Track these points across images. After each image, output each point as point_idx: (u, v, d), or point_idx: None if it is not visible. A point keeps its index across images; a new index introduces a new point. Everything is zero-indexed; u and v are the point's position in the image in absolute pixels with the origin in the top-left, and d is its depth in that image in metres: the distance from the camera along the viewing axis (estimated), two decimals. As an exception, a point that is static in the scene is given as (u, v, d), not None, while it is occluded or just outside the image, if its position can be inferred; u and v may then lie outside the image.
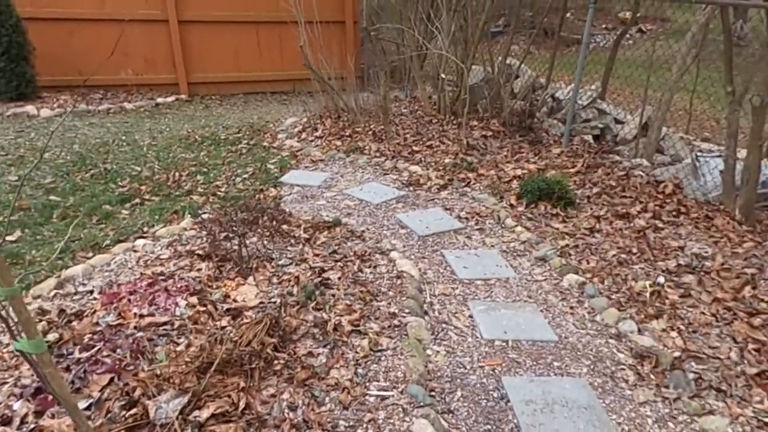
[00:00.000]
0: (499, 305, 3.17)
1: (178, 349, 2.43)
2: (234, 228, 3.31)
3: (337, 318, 2.78)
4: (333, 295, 3.00)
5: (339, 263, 3.37)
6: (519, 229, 4.07)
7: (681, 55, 5.50)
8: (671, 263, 3.47)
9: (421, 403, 2.30)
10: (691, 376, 2.58)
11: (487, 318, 3.03)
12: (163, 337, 2.57)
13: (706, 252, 3.58)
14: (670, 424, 2.35)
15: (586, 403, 2.42)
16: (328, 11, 7.87)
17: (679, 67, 5.50)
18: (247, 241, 3.42)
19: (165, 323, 2.65)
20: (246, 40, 8.36)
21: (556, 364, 2.70)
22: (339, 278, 3.20)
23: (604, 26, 15.27)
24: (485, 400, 2.43)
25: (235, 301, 2.88)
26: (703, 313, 3.01)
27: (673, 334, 2.87)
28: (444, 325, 2.96)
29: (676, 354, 2.71)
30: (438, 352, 2.74)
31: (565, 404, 2.40)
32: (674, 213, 4.16)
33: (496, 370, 2.63)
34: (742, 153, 4.57)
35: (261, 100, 8.44)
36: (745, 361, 2.64)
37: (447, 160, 5.34)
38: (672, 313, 3.02)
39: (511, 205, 4.42)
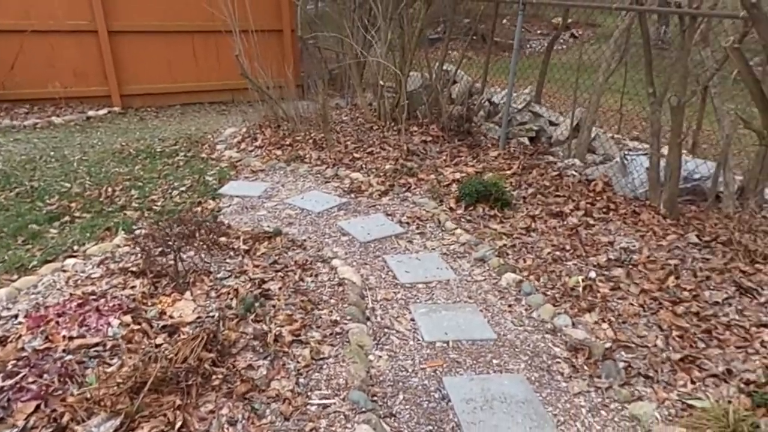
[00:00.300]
0: (440, 307, 3.22)
1: (110, 370, 2.35)
2: (169, 243, 3.23)
3: (278, 329, 2.75)
4: (273, 306, 2.97)
5: (280, 273, 3.34)
6: (459, 231, 4.15)
7: (606, 59, 5.76)
8: (602, 258, 3.62)
9: (363, 409, 2.31)
10: (621, 365, 2.70)
11: (429, 320, 3.07)
12: (95, 359, 2.47)
13: (634, 246, 3.76)
14: (603, 412, 2.45)
15: (524, 398, 2.49)
16: (264, 20, 7.80)
17: (605, 70, 5.76)
18: (184, 256, 3.34)
19: (96, 344, 2.55)
20: (181, 50, 8.17)
21: (495, 361, 2.77)
22: (280, 288, 3.17)
23: (539, 32, 15.78)
24: (427, 402, 2.46)
25: (171, 317, 2.81)
26: (632, 304, 3.15)
27: (605, 325, 2.99)
28: (386, 330, 2.99)
29: (608, 345, 2.82)
30: (380, 357, 2.76)
31: (503, 400, 2.46)
32: (604, 210, 4.35)
33: (437, 372, 2.66)
34: (666, 150, 4.82)
35: (199, 111, 8.27)
36: (670, 348, 2.78)
37: (388, 166, 5.39)
38: (603, 305, 3.15)
39: (451, 208, 4.51)
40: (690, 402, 2.43)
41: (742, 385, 2.47)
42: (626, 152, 5.99)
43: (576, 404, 2.49)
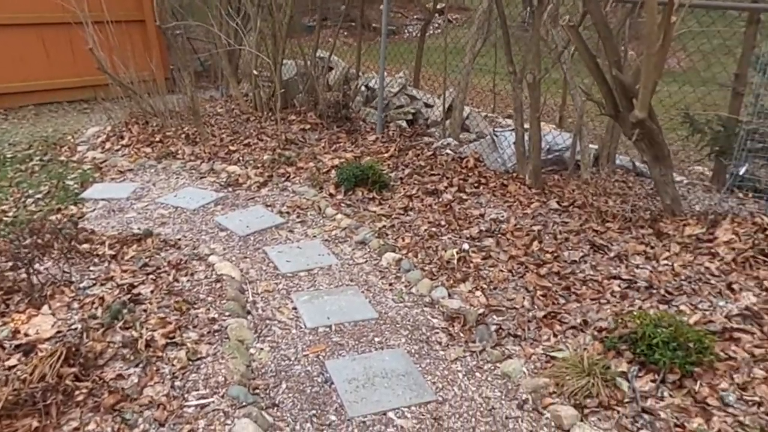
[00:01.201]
0: (323, 293, 3.23)
1: (-48, 401, 2.11)
2: (20, 255, 2.95)
3: (150, 333, 2.62)
4: (145, 311, 2.82)
5: (151, 276, 3.18)
6: (339, 216, 4.17)
7: (471, 40, 6.02)
8: (474, 230, 3.81)
9: (244, 403, 2.27)
10: (493, 328, 2.86)
11: (311, 307, 3.07)
12: (-66, 392, 2.21)
13: (503, 216, 4.00)
14: (477, 374, 2.59)
15: (404, 371, 2.57)
16: (121, 9, 7.30)
17: (470, 51, 6.02)
18: (41, 267, 3.07)
19: (-65, 375, 2.28)
20: (30, 46, 7.43)
21: (377, 339, 2.83)
22: (152, 292, 3.01)
23: (416, 17, 16.11)
24: (310, 387, 2.47)
25: (26, 335, 2.58)
26: (501, 270, 3.35)
27: (478, 293, 3.16)
28: (268, 322, 2.94)
29: (481, 311, 2.99)
30: (262, 349, 2.72)
31: (385, 375, 2.53)
32: (476, 185, 4.57)
33: (320, 356, 2.68)
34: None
35: (56, 110, 7.59)
36: (536, 307, 3.00)
37: (266, 157, 5.28)
38: (476, 274, 3.32)
39: (331, 195, 4.52)
40: (553, 354, 2.64)
41: (596, 333, 2.73)
42: (495, 129, 6.33)
43: (453, 370, 2.61)
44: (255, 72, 6.88)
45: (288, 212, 4.30)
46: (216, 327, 2.78)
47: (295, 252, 3.70)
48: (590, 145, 5.99)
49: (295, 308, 3.07)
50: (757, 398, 2.29)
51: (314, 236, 3.95)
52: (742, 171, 4.23)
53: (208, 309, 2.92)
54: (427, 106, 7.38)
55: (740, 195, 4.73)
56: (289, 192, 4.68)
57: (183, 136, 5.80)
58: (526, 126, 4.98)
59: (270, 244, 3.82)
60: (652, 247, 3.39)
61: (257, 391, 2.42)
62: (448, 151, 5.66)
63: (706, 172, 6.94)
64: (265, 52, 6.74)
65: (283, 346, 2.75)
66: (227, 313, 2.90)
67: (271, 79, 7.15)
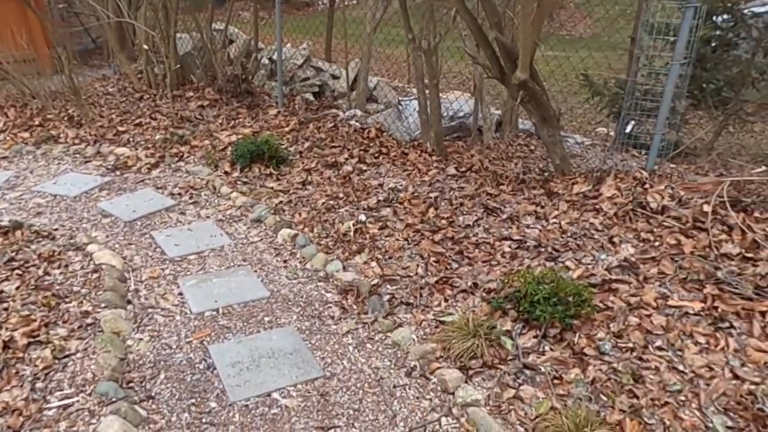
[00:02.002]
0: (212, 275, 3.08)
1: None
2: None
3: (9, 334, 2.39)
4: (6, 309, 2.57)
5: (17, 271, 2.91)
6: (234, 195, 4.00)
7: (371, 10, 5.89)
8: (372, 201, 3.75)
9: (113, 399, 2.12)
10: (386, 297, 2.83)
11: (198, 291, 2.92)
12: None
13: (401, 185, 3.96)
14: (368, 345, 2.55)
15: (292, 348, 2.49)
16: (-8, -18, 6.62)
17: (370, 20, 5.90)
18: None
19: None
20: None
21: (266, 319, 2.73)
22: (17, 288, 2.76)
23: (325, -12, 15.69)
24: (191, 375, 2.34)
25: None
26: (397, 239, 3.32)
27: (373, 264, 3.12)
28: (150, 310, 2.77)
29: (375, 281, 2.95)
30: (141, 339, 2.55)
31: (271, 356, 2.44)
32: (376, 155, 4.51)
33: (204, 342, 2.55)
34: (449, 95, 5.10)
35: None
36: (429, 273, 2.99)
37: (158, 137, 4.98)
38: (372, 245, 3.27)
39: (226, 173, 4.32)
40: (442, 319, 2.64)
41: (484, 295, 2.75)
42: (399, 98, 6.29)
43: (344, 343, 2.56)
44: (145, 47, 6.46)
45: (180, 193, 4.07)
46: (89, 320, 2.59)
47: (185, 235, 3.51)
48: (494, 111, 6.08)
49: (181, 294, 2.91)
50: (630, 344, 2.38)
51: (207, 217, 3.77)
52: (628, 129, 4.39)
53: (81, 302, 2.71)
54: (334, 77, 7.22)
55: (635, 153, 4.95)
56: (183, 172, 4.44)
57: (66, 118, 5.37)
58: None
59: (158, 228, 3.61)
60: (542, 207, 3.46)
61: (131, 384, 2.27)
62: (354, 122, 5.56)
63: (611, 133, 7.24)
64: (158, 27, 6.33)
65: (165, 335, 2.60)
66: (103, 305, 2.71)
67: (167, 55, 6.75)
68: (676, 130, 4.75)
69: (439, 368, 2.33)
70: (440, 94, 4.83)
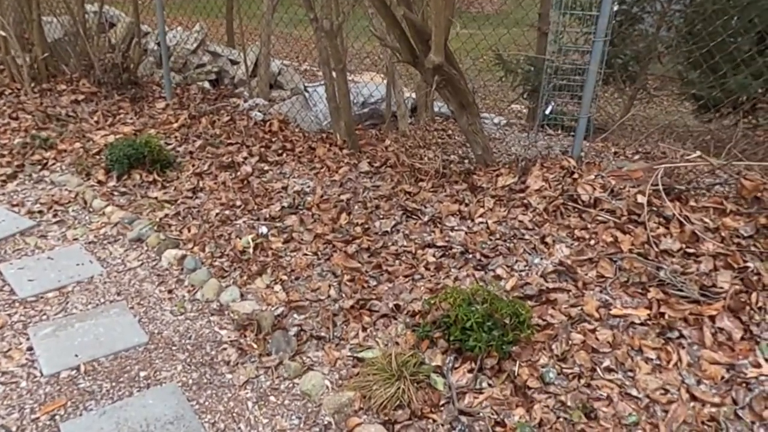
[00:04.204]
0: (75, 319, 2.48)
1: None
2: None
3: None
4: None
5: None
6: (110, 209, 3.36)
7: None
8: (275, 207, 3.25)
9: None
10: (293, 331, 2.37)
11: (54, 343, 2.32)
12: None
13: (308, 186, 3.48)
14: (272, 397, 2.09)
15: (174, 415, 1.98)
16: None
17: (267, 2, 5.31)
18: None
19: None
20: None
21: (142, 374, 2.19)
22: None
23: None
24: (35, 470, 1.78)
25: None
26: (305, 254, 2.85)
27: (277, 287, 2.64)
28: (-14, 377, 2.16)
29: (279, 310, 2.47)
30: (-32, 423, 1.95)
31: (146, 428, 1.92)
32: (279, 151, 3.99)
33: (56, 417, 1.98)
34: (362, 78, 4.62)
35: None
36: (343, 295, 2.55)
37: (17, 141, 4.18)
38: (275, 263, 2.78)
39: (100, 182, 3.65)
40: (360, 355, 2.21)
41: (408, 320, 2.35)
42: (306, 84, 5.75)
43: (242, 398, 2.08)
44: (3, 33, 5.50)
45: (42, 211, 3.38)
46: None
47: (43, 265, 2.86)
48: (408, 94, 5.68)
49: (30, 349, 2.31)
50: (576, 369, 2.06)
51: (75, 239, 3.12)
52: (548, 110, 4.13)
53: None
54: (233, 63, 6.56)
55: (551, 132, 4.71)
56: (46, 183, 3.72)
57: None
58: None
59: (9, 258, 2.93)
60: (467, 205, 3.10)
61: (-54, 496, 1.68)
62: (256, 113, 4.97)
63: (522, 110, 7.04)
64: (18, 9, 5.41)
65: (3, 411, 2.00)
66: None
67: (31, 42, 5.82)
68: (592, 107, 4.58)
69: (358, 425, 1.90)
70: (352, 78, 4.37)
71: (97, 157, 3.95)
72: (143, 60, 6.21)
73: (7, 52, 5.58)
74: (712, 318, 2.21)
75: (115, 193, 3.53)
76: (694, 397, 1.96)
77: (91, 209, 3.41)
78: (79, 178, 3.72)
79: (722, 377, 2.02)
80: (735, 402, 1.94)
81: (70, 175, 3.77)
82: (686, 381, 2.01)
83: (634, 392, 1.98)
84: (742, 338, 2.14)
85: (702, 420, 1.88)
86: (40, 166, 3.90)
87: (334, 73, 4.19)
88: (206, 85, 6.13)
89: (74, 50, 5.87)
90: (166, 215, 3.26)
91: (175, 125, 4.43)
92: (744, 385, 1.98)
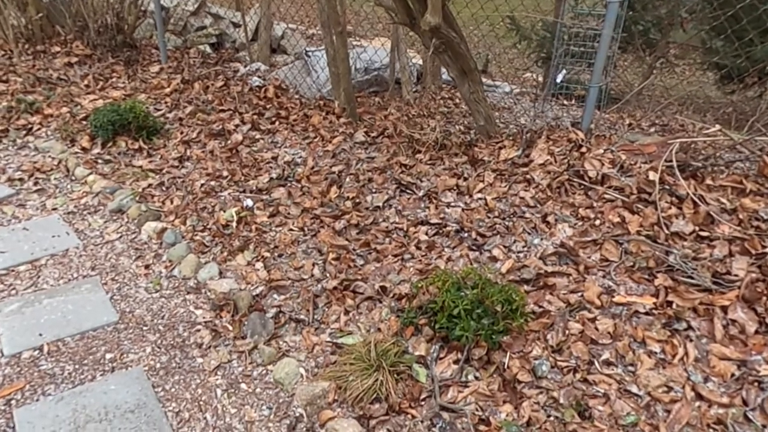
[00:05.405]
0: (43, 295, 2.35)
1: None
2: None
3: None
4: None
5: None
6: (92, 177, 3.21)
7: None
8: (263, 179, 3.08)
9: None
10: (271, 312, 2.22)
11: (19, 321, 2.20)
12: None
13: (300, 157, 3.29)
14: (243, 385, 1.95)
15: (136, 403, 1.85)
16: None
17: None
18: None
19: None
20: None
21: (108, 356, 2.06)
22: None
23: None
24: (-16, 459, 1.67)
25: None
26: (291, 229, 2.69)
27: (258, 265, 2.48)
28: (-55, 356, 2.04)
29: (258, 290, 2.32)
30: None
31: (104, 417, 1.79)
32: (273, 119, 3.79)
33: (12, 402, 1.86)
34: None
35: None
36: (327, 275, 2.40)
37: (3, 105, 4.03)
38: (258, 239, 2.63)
39: (84, 149, 3.50)
40: (340, 340, 2.06)
41: (393, 304, 2.19)
42: (307, 49, 5.50)
43: (211, 386, 1.95)
44: (-6, -9, 5.30)
45: (22, 179, 3.25)
46: None
47: (17, 237, 2.73)
48: (414, 60, 5.42)
49: (-6, 326, 2.19)
50: (572, 363, 1.89)
51: (54, 209, 2.99)
52: (559, 78, 3.87)
53: None
54: (235, 26, 6.32)
55: (564, 103, 4.46)
56: (30, 149, 3.58)
57: None
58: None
59: (-17, 229, 2.81)
60: (465, 179, 2.90)
61: None
62: (255, 78, 4.77)
63: (539, 79, 6.72)
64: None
65: (-42, 394, 1.89)
66: None
67: (25, 2, 5.62)
68: (605, 75, 4.33)
69: (331, 419, 1.76)
70: (360, 43, 4.13)
71: (84, 122, 3.79)
72: (141, 21, 5.99)
73: (0, 12, 5.39)
74: (724, 308, 2.02)
75: (99, 161, 3.38)
76: (699, 396, 1.78)
77: (73, 177, 3.26)
78: (63, 145, 3.57)
79: (732, 375, 1.83)
80: (745, 403, 1.76)
81: (55, 141, 3.62)
82: (692, 378, 1.83)
83: (634, 389, 1.81)
84: (757, 332, 1.95)
85: (707, 422, 1.71)
86: (24, 132, 3.75)
87: (334, 37, 3.96)
88: (207, 48, 5.91)
89: (69, 11, 5.66)
90: (150, 185, 3.10)
91: (167, 90, 4.24)
92: (756, 384, 1.80)
